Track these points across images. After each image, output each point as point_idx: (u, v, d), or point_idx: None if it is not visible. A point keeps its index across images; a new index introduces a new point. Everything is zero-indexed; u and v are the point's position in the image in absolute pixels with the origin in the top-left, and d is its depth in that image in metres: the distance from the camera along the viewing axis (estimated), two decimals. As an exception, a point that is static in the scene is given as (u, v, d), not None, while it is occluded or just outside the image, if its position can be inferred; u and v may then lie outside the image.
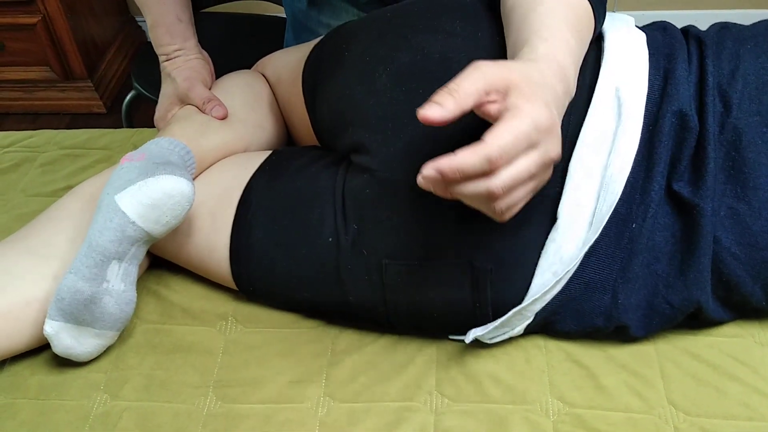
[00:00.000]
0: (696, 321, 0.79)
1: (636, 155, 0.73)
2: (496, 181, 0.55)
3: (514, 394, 0.77)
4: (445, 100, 0.55)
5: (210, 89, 0.99)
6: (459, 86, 0.56)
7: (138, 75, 1.56)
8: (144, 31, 2.60)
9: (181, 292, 0.90)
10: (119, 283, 0.78)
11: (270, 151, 0.90)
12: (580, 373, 0.78)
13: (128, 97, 1.67)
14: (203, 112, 0.94)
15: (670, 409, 0.75)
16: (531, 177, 0.57)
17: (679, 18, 2.44)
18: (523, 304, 0.74)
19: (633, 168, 0.73)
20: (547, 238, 0.74)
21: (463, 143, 0.55)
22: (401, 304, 0.78)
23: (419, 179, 0.55)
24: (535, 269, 0.74)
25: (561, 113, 0.61)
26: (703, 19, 2.44)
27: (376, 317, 0.81)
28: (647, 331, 0.78)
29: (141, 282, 0.91)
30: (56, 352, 0.79)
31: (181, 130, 0.89)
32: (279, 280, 0.81)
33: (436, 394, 0.78)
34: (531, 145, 0.55)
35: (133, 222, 0.75)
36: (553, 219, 0.74)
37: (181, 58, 1.01)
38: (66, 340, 0.78)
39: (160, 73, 1.03)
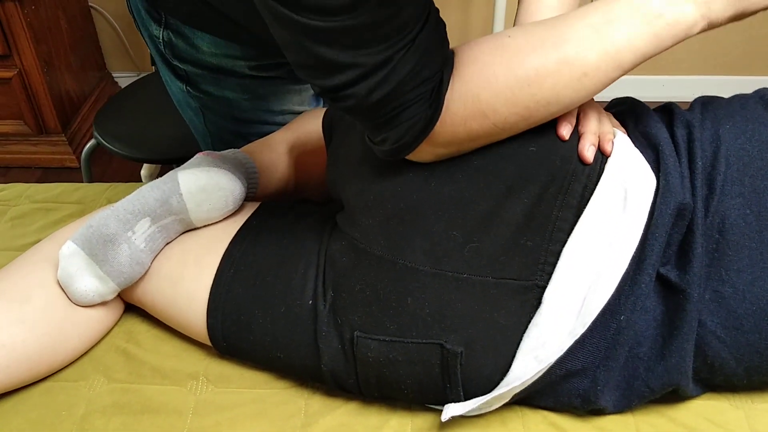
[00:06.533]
0: (673, 395, 0.78)
1: None
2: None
3: (491, 458, 0.75)
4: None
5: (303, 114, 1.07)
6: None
7: (100, 124, 1.52)
8: (120, 87, 2.60)
9: (151, 349, 0.88)
10: (142, 241, 0.83)
11: (258, 204, 0.91)
12: (557, 436, 0.77)
13: (88, 146, 1.63)
14: None
15: (647, 474, 0.74)
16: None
17: (651, 83, 2.51)
18: (503, 390, 0.71)
19: None
20: (529, 322, 0.72)
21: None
22: (372, 377, 0.76)
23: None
24: (514, 353, 0.72)
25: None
26: (672, 85, 2.51)
27: (347, 388, 0.79)
28: (624, 409, 0.77)
29: (109, 339, 0.89)
30: (58, 277, 0.83)
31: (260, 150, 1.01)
32: (254, 337, 0.80)
33: (412, 457, 0.76)
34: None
35: (180, 194, 0.83)
36: (537, 304, 0.72)
37: None
38: (72, 266, 0.81)
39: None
